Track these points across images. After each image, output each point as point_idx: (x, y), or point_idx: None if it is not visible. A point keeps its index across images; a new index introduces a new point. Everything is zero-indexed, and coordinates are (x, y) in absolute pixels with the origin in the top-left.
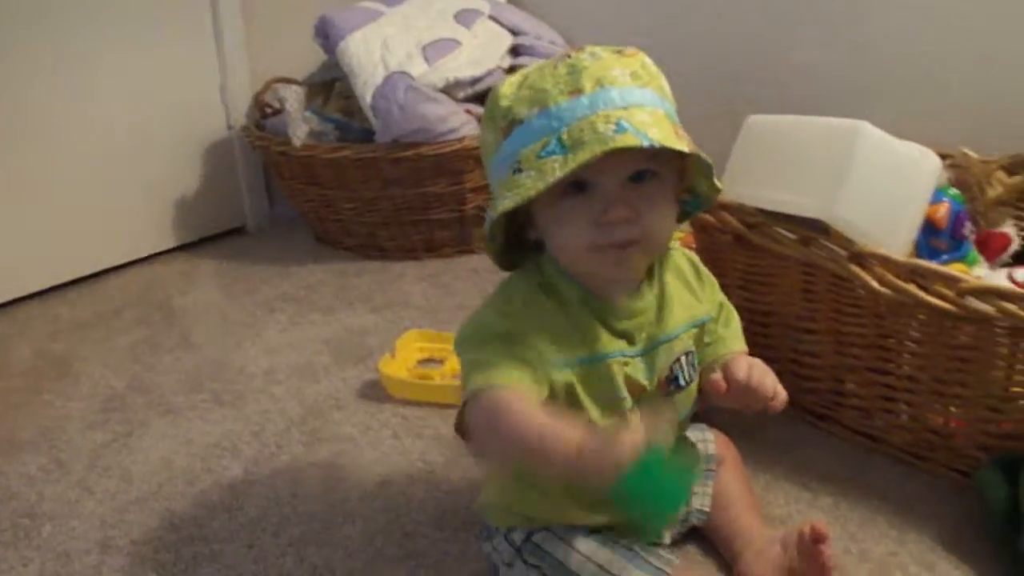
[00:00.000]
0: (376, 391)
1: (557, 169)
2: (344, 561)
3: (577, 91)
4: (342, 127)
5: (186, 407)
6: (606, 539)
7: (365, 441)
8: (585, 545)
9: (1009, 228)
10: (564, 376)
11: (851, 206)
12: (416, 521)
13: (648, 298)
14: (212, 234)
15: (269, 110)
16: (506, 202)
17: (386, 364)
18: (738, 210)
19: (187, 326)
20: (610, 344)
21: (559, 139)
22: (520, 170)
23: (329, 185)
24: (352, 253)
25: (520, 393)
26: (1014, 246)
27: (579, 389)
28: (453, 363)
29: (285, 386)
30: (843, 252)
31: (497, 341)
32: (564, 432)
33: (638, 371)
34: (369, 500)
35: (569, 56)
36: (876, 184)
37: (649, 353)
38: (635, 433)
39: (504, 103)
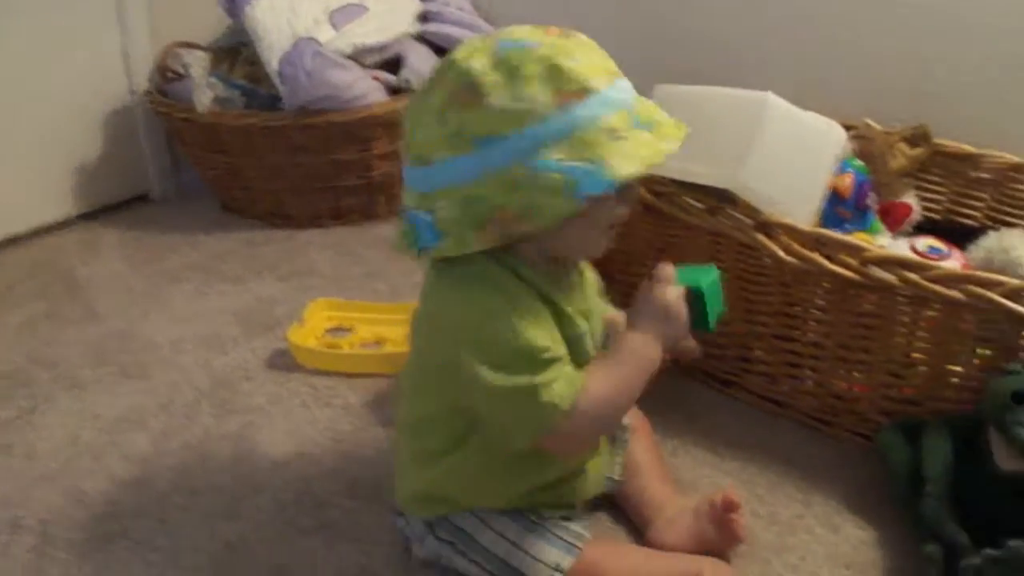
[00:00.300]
0: (285, 361)
1: (664, 141)
2: (257, 533)
3: (611, 74)
4: (248, 93)
5: (92, 381)
6: (517, 516)
7: (275, 411)
8: (498, 523)
9: (911, 198)
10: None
11: (758, 176)
12: (328, 491)
13: (578, 277)
14: (115, 202)
15: (172, 75)
16: (633, 165)
17: (294, 333)
18: (647, 180)
19: (91, 297)
20: (580, 322)
21: (636, 116)
22: (620, 137)
23: (235, 152)
24: (259, 221)
25: (583, 386)
26: (915, 216)
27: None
28: (362, 332)
29: (193, 357)
30: (749, 221)
31: (528, 352)
32: (634, 360)
33: (594, 344)
34: (280, 471)
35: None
36: (782, 154)
37: (592, 326)
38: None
39: (574, 66)
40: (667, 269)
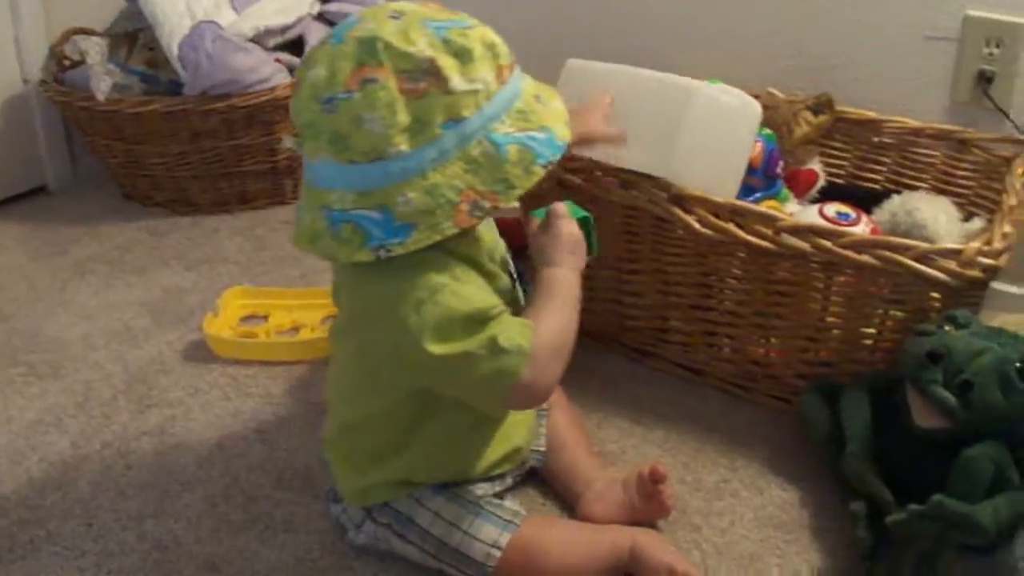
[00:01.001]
0: (201, 352)
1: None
2: (188, 531)
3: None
4: (148, 79)
5: (2, 383)
6: (453, 495)
7: (196, 404)
8: (434, 503)
9: (816, 165)
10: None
11: (688, 162)
12: (257, 484)
13: (483, 228)
14: (11, 196)
15: (68, 63)
16: (565, 127)
17: (210, 324)
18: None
19: None
20: (503, 275)
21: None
22: (543, 102)
23: (136, 140)
24: (162, 209)
25: (531, 326)
26: (821, 182)
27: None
28: (277, 318)
29: (105, 352)
30: (663, 194)
31: (478, 313)
32: (564, 292)
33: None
34: (207, 466)
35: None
36: (709, 138)
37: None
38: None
39: (500, 40)
40: (562, 205)
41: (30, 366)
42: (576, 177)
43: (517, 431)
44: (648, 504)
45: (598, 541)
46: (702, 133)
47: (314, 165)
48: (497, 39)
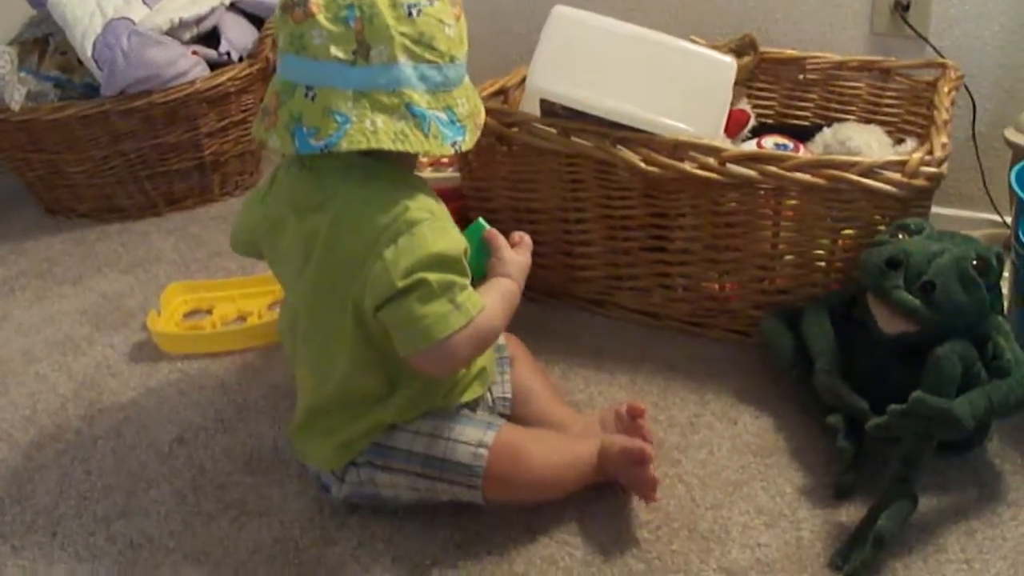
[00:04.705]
0: (148, 351)
1: None
2: (160, 526)
3: None
4: (62, 84)
5: None
6: (428, 415)
7: (149, 403)
8: (412, 424)
9: (745, 105)
10: None
11: (714, 129)
12: (225, 471)
13: None
14: None
15: None
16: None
17: (154, 321)
18: (498, 112)
19: None
20: None
21: None
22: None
23: (55, 149)
24: (88, 219)
25: (485, 306)
26: (751, 122)
27: None
28: (222, 310)
29: (48, 364)
30: (606, 138)
31: (460, 258)
32: (510, 302)
33: None
34: (170, 460)
35: None
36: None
37: None
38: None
39: None
40: (530, 241)
41: None
42: (514, 131)
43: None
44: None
45: (574, 444)
46: (724, 97)
47: (388, 67)
48: None
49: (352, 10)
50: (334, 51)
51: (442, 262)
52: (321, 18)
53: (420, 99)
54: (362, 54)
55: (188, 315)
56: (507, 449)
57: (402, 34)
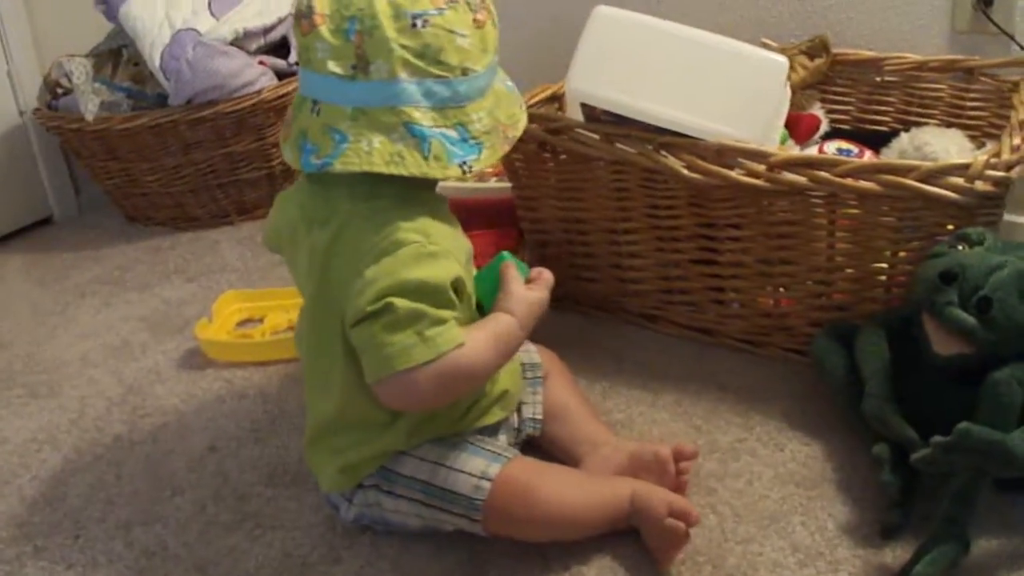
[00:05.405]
0: (198, 359)
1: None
2: (176, 535)
3: None
4: (134, 95)
5: None
6: (437, 441)
7: (189, 409)
8: (418, 450)
9: (817, 110)
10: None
11: (769, 135)
12: (248, 482)
13: None
14: (16, 229)
15: (60, 90)
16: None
17: (203, 329)
18: (541, 118)
19: None
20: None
21: None
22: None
23: (128, 158)
24: (164, 228)
25: (463, 343)
26: (823, 127)
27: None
28: (274, 319)
29: (102, 368)
30: (649, 145)
31: (446, 289)
32: (507, 346)
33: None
34: (198, 469)
35: None
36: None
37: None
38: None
39: None
40: (551, 277)
41: (28, 387)
42: (558, 138)
43: (509, 375)
44: (659, 483)
45: (597, 485)
46: (775, 99)
47: (387, 83)
48: None
49: (353, 22)
50: (331, 66)
51: (417, 290)
52: (324, 30)
53: (423, 117)
54: (362, 69)
55: (241, 323)
56: (513, 483)
57: (403, 47)
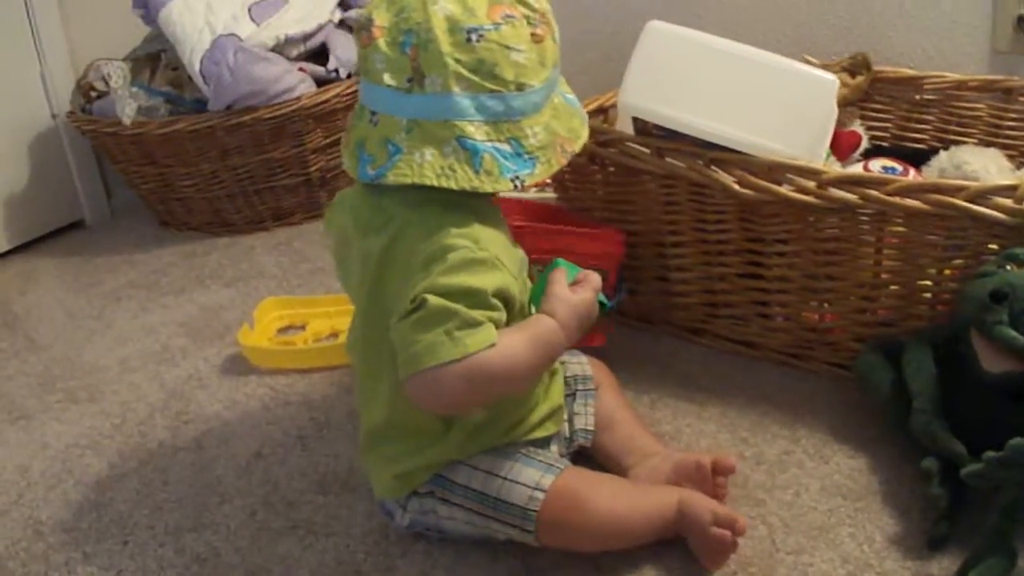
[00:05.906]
0: (239, 365)
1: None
2: (228, 541)
3: None
4: (172, 100)
5: (39, 410)
6: (491, 450)
7: (233, 416)
8: (472, 459)
9: (857, 127)
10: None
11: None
12: (298, 489)
13: None
14: (48, 232)
15: (94, 94)
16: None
17: (245, 335)
18: (591, 131)
19: (30, 327)
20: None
21: None
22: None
23: (165, 163)
24: (199, 232)
25: (494, 344)
26: (863, 144)
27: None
28: (316, 326)
29: (142, 374)
30: (699, 159)
31: (467, 291)
32: (545, 342)
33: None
34: (245, 476)
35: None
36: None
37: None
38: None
39: None
40: (597, 279)
41: (68, 392)
42: (608, 151)
43: (558, 389)
44: (702, 491)
45: (645, 494)
46: (825, 117)
47: (441, 97)
48: None
49: (410, 36)
50: (388, 78)
51: (456, 291)
52: (381, 43)
53: (476, 131)
54: (418, 82)
55: (282, 330)
56: (566, 493)
57: (457, 61)
